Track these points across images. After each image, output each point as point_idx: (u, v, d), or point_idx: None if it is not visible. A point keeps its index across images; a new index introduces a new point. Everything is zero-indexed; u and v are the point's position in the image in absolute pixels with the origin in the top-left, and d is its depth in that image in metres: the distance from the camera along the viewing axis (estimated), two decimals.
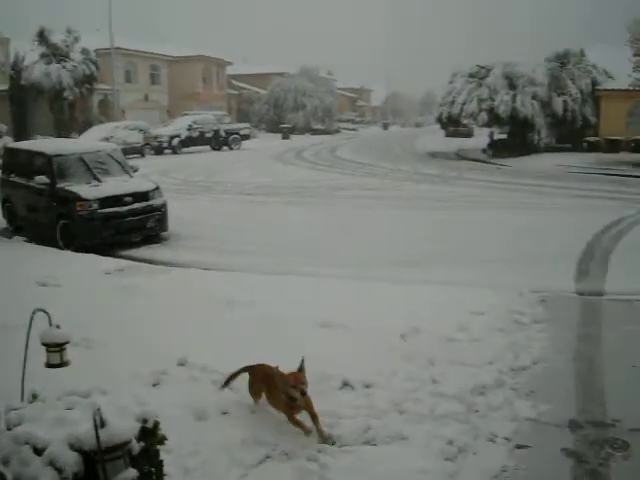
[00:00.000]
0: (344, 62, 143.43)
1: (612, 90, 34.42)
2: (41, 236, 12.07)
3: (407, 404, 4.56)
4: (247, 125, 45.09)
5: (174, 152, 35.98)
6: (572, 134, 34.77)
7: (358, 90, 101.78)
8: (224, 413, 4.50)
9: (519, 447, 4.16)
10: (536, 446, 4.18)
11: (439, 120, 38.21)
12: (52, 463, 2.75)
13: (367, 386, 4.91)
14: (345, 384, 4.94)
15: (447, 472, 3.80)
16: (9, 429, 3.00)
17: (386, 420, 4.35)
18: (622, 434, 4.33)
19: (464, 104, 34.10)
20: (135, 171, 13.34)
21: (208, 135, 38.13)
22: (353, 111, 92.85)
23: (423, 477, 3.72)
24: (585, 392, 5.05)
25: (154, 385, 4.94)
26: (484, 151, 35.37)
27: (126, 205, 11.64)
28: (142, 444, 2.96)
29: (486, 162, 30.77)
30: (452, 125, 40.89)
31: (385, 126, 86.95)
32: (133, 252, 11.28)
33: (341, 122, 74.21)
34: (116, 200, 11.57)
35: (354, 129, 74.14)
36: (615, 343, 6.20)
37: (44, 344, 3.72)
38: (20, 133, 35.82)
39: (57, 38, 39.98)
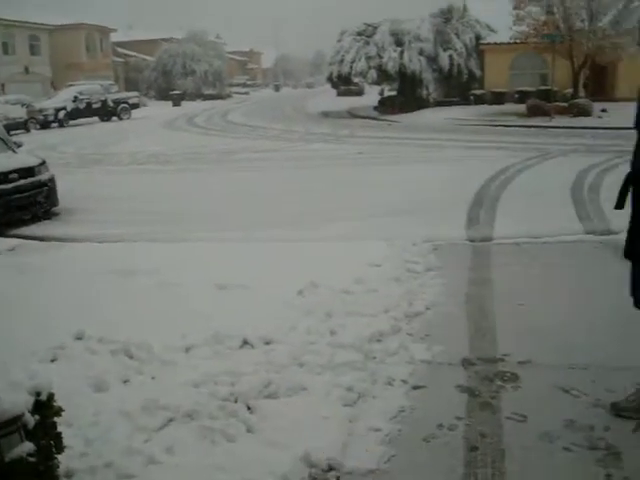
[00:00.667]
0: (233, 25, 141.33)
1: (495, 44, 35.49)
2: None
3: (306, 357, 4.65)
4: (136, 94, 43.99)
5: (61, 125, 34.75)
6: (459, 88, 35.70)
7: (248, 53, 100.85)
8: (125, 382, 4.47)
9: (415, 388, 4.33)
10: (431, 385, 4.37)
11: (329, 80, 38.37)
12: None
13: (267, 343, 4.97)
14: (245, 342, 4.98)
15: (347, 417, 3.92)
16: None
17: (286, 374, 4.43)
18: (511, 367, 4.58)
19: (353, 62, 34.35)
20: (19, 147, 12.84)
21: (96, 106, 36.97)
22: (244, 74, 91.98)
23: (325, 423, 3.83)
24: (476, 331, 5.28)
25: (52, 361, 4.84)
26: (375, 108, 35.86)
27: (12, 182, 11.19)
28: (37, 417, 2.92)
29: (377, 119, 31.22)
30: (343, 84, 41.18)
31: (277, 88, 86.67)
32: (24, 230, 10.88)
33: (232, 86, 73.48)
34: (0, 177, 11.12)
35: (246, 92, 73.56)
36: (503, 284, 6.51)
37: None
38: None
39: None
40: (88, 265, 7.75)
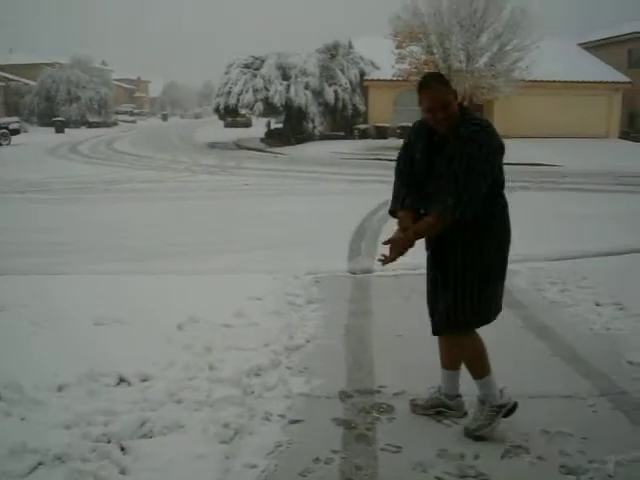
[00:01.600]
0: (120, 52, 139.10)
1: (378, 80, 36.54)
2: None
3: (184, 393, 4.58)
4: (16, 119, 42.51)
5: None
6: (344, 122, 36.50)
7: (135, 81, 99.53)
8: None
9: (293, 422, 4.34)
10: (309, 419, 4.40)
11: (217, 111, 38.35)
12: None
13: (144, 379, 4.86)
14: (121, 380, 4.86)
15: (224, 454, 3.89)
16: None
17: (162, 411, 4.34)
18: (387, 399, 4.68)
19: (240, 94, 34.54)
20: None
21: None
22: (131, 102, 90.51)
23: (200, 462, 3.78)
24: (355, 364, 5.37)
25: None
26: (262, 140, 36.16)
27: None
28: None
29: (264, 151, 31.48)
30: (230, 115, 41.24)
31: (164, 117, 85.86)
32: None
33: (118, 114, 72.20)
34: None
35: (132, 121, 72.43)
36: (382, 315, 6.67)
37: None
38: None
39: None
40: None
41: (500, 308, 4.14)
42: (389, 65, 32.60)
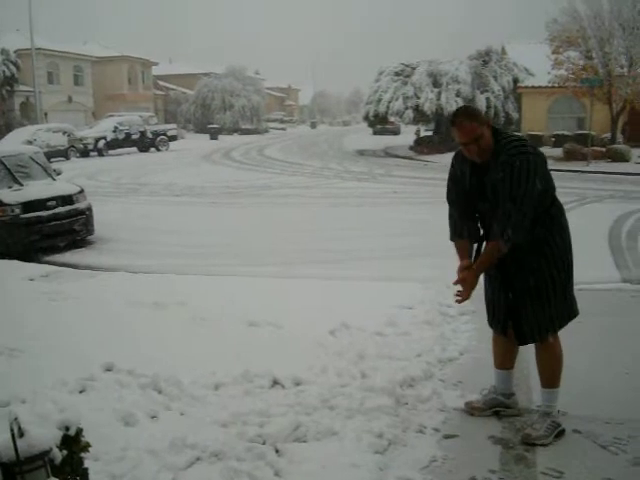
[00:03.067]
0: (272, 61, 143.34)
1: (532, 87, 35.40)
2: None
3: (337, 399, 4.57)
4: (174, 126, 44.68)
5: (100, 154, 35.38)
6: None
7: (286, 89, 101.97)
8: (153, 417, 4.43)
9: (447, 437, 4.22)
10: (464, 435, 4.25)
11: (366, 118, 38.54)
12: None
13: (297, 383, 4.90)
14: (275, 382, 4.92)
15: (378, 465, 3.82)
16: None
17: (316, 416, 4.35)
18: None
19: (390, 102, 34.54)
20: (58, 174, 13.04)
21: (135, 136, 37.60)
22: (281, 110, 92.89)
23: (354, 471, 3.74)
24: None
25: (80, 392, 4.82)
26: (411, 148, 35.92)
27: (50, 209, 11.37)
28: (65, 452, 2.87)
29: (413, 159, 31.26)
30: (379, 123, 41.31)
31: (313, 125, 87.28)
32: (58, 257, 11.01)
33: (269, 122, 74.19)
34: (39, 204, 11.28)
35: (282, 128, 74.17)
36: None
37: None
38: None
39: None
40: (119, 295, 7.76)
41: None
42: (544, 71, 31.50)
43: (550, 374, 4.28)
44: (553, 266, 4.08)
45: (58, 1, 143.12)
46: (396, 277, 8.54)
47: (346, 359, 5.35)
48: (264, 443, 4.02)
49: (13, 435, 2.56)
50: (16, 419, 2.59)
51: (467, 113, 4.10)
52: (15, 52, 40.74)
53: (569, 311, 4.24)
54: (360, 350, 5.55)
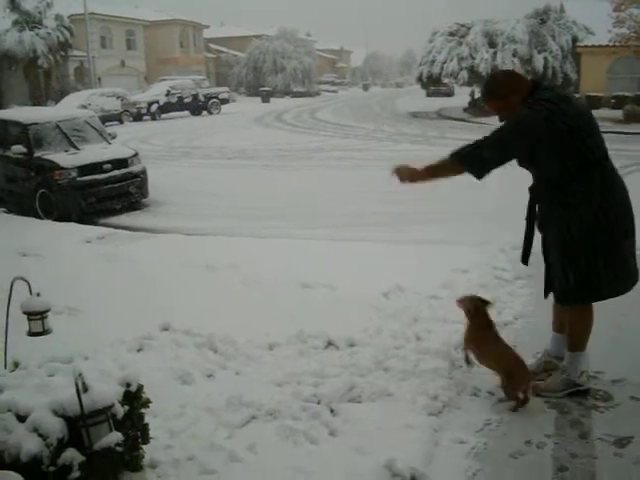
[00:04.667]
0: (323, 23, 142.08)
1: (592, 46, 34.35)
2: (21, 206, 11.94)
3: (391, 361, 4.58)
4: (226, 89, 44.73)
5: (153, 118, 35.70)
6: None
7: (337, 51, 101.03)
8: (209, 376, 4.50)
9: (502, 400, 4.19)
10: None
11: (419, 80, 38.02)
12: (36, 429, 2.73)
13: (351, 345, 4.92)
14: (329, 343, 4.94)
15: (432, 427, 3.83)
16: None
17: (370, 378, 4.36)
18: (604, 385, 4.37)
19: (444, 63, 34.01)
20: (113, 138, 13.20)
21: (187, 100, 37.81)
22: (333, 72, 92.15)
23: (409, 432, 3.75)
24: None
25: (138, 350, 4.93)
26: (465, 110, 35.34)
27: (105, 172, 11.55)
28: (126, 408, 2.95)
29: (467, 121, 30.74)
30: (432, 84, 40.76)
31: (365, 87, 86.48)
32: (114, 220, 11.20)
33: (321, 84, 73.69)
34: (95, 167, 11.47)
35: (334, 91, 73.65)
36: None
37: (25, 313, 3.70)
38: None
39: (29, 5, 39.22)
40: (174, 257, 7.87)
41: (635, 279, 4.13)
42: (605, 30, 30.47)
43: (572, 337, 4.24)
44: (577, 240, 3.94)
45: None
46: (450, 240, 8.44)
47: (400, 321, 5.35)
48: (319, 403, 4.06)
49: (78, 390, 2.63)
50: (80, 375, 2.65)
51: (488, 89, 4.19)
52: (69, 17, 41.12)
53: (606, 288, 4.05)
54: (414, 313, 5.54)
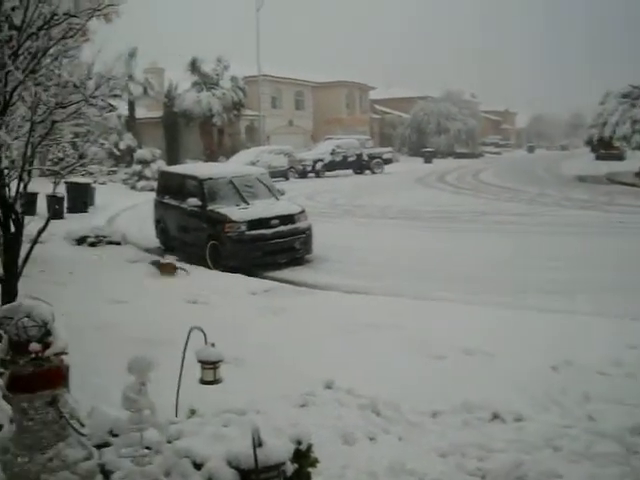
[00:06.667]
0: (488, 85, 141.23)
1: None
2: (191, 255, 12.59)
3: (561, 440, 4.36)
4: (389, 149, 45.24)
5: (317, 175, 36.68)
6: None
7: (502, 113, 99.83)
8: (371, 439, 4.48)
9: None
10: None
11: (589, 142, 36.73)
12: (210, 479, 2.82)
13: (517, 419, 4.74)
14: (495, 416, 4.78)
15: None
16: (169, 442, 3.12)
17: (538, 456, 4.17)
18: None
19: (616, 126, 32.68)
20: (282, 194, 13.68)
21: (351, 159, 38.60)
22: (497, 134, 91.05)
23: None
24: None
25: (301, 406, 5.00)
26: (637, 174, 33.69)
27: (273, 227, 11.96)
28: (295, 465, 2.99)
29: (639, 186, 29.26)
30: (603, 148, 39.23)
31: (530, 149, 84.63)
32: (277, 273, 11.52)
33: (484, 145, 73.00)
34: (263, 222, 11.91)
35: (498, 152, 72.65)
36: None
37: (200, 361, 3.84)
38: (171, 157, 37.88)
39: (208, 67, 41.92)
40: (336, 314, 7.98)
41: None
42: None
43: None
44: None
45: (283, 32, 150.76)
46: (621, 314, 7.98)
47: (570, 398, 5.10)
48: (483, 478, 3.92)
49: (254, 444, 2.70)
50: (257, 429, 2.73)
51: None
52: (243, 79, 43.44)
53: None
54: (584, 390, 5.26)
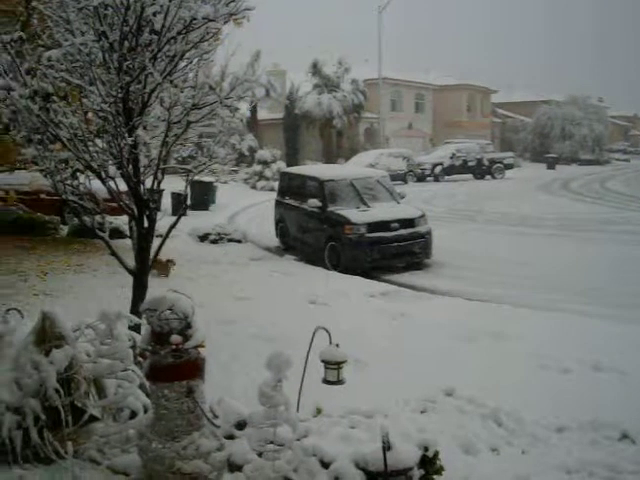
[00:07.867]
0: (616, 88, 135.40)
1: None
2: (310, 256, 12.76)
3: None
4: (511, 154, 44.19)
5: (436, 180, 36.35)
6: None
7: (631, 118, 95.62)
8: (493, 450, 4.40)
9: None
10: None
11: None
12: (337, 478, 2.86)
13: None
14: (624, 436, 4.59)
15: None
16: (297, 439, 3.18)
17: None
18: None
19: None
20: (402, 198, 13.65)
21: (471, 164, 38.01)
22: (625, 140, 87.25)
23: None
24: None
25: (422, 412, 4.97)
26: None
27: (392, 231, 11.95)
28: (422, 472, 2.98)
29: None
30: None
31: None
32: (396, 277, 11.50)
33: (611, 152, 70.08)
34: (383, 225, 11.92)
35: (626, 160, 69.57)
36: None
37: (324, 361, 3.89)
38: (291, 158, 38.57)
39: (329, 70, 42.36)
40: (456, 322, 7.87)
41: None
42: None
43: None
44: None
45: (405, 33, 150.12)
46: None
47: None
48: None
49: (384, 448, 2.71)
50: (387, 433, 2.74)
51: None
52: (364, 82, 43.61)
53: None
54: None
